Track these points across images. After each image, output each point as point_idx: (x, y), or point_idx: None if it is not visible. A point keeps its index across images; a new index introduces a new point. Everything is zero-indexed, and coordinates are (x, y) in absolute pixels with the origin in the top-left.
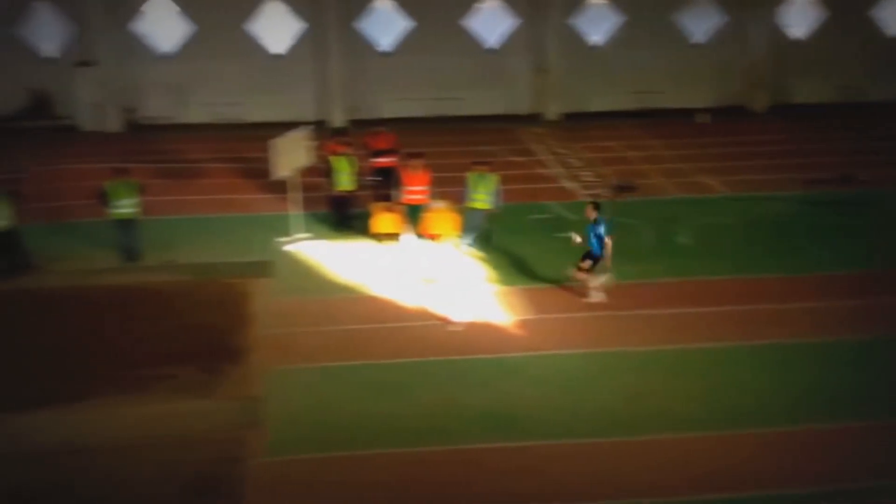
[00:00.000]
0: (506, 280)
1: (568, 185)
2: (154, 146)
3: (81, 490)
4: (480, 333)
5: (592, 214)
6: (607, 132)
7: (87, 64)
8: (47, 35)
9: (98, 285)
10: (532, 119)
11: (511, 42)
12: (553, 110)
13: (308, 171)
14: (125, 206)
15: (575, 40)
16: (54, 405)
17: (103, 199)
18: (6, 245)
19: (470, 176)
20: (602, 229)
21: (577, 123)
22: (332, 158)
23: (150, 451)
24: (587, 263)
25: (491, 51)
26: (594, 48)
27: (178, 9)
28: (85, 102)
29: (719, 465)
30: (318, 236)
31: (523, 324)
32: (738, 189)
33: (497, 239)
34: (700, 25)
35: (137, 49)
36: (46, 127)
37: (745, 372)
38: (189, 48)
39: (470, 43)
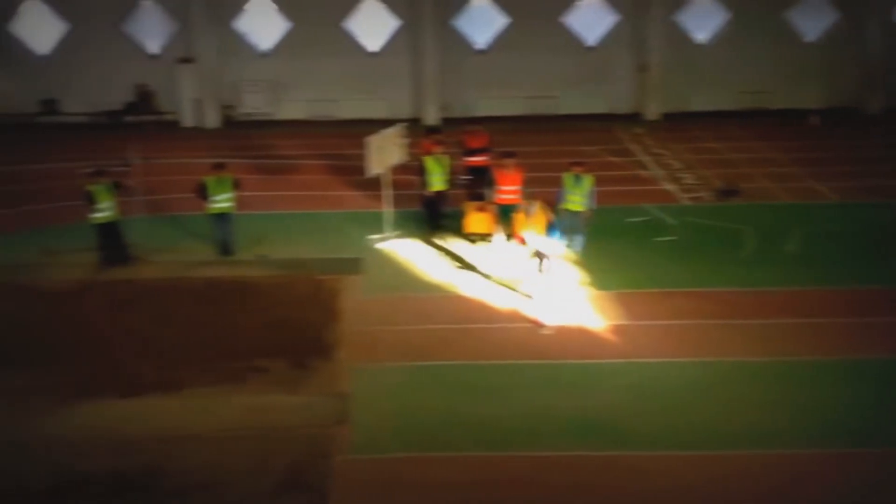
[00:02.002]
0: (600, 284)
1: (668, 187)
2: (250, 142)
3: (175, 478)
4: (572, 338)
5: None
6: (710, 133)
7: (188, 61)
8: (152, 32)
9: (194, 277)
10: (631, 119)
11: (611, 39)
12: (653, 110)
13: (401, 169)
14: (222, 201)
15: (678, 38)
16: (150, 393)
17: (202, 193)
18: (110, 236)
19: (566, 177)
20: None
21: (679, 123)
22: (424, 158)
23: (241, 442)
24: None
25: (589, 48)
26: (699, 46)
27: (275, 7)
28: (186, 98)
29: (815, 483)
30: (409, 234)
31: (616, 329)
32: (849, 195)
33: (591, 241)
34: (812, 23)
35: (236, 46)
36: (150, 122)
37: (849, 388)
38: (286, 46)
39: (568, 40)
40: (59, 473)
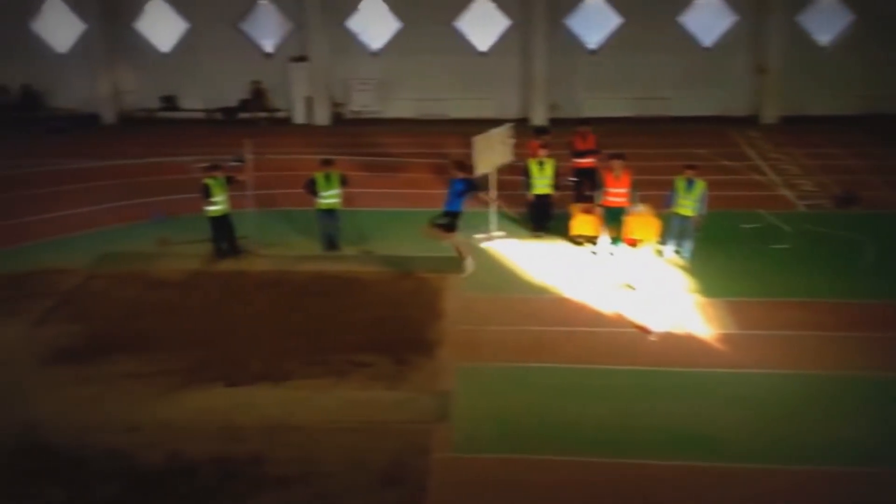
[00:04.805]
0: (708, 291)
1: (784, 193)
2: (359, 139)
3: (277, 467)
4: (677, 345)
5: (458, 174)
6: (830, 138)
7: (301, 59)
8: (268, 32)
9: (300, 271)
10: (747, 121)
11: (729, 40)
12: (771, 113)
13: (507, 169)
14: (329, 197)
15: (800, 39)
16: (256, 383)
17: (310, 188)
18: (223, 228)
19: (678, 181)
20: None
21: (797, 127)
22: (527, 161)
23: (342, 435)
24: (443, 221)
25: (706, 49)
26: (821, 48)
27: (387, 7)
28: (297, 96)
29: None
30: (514, 235)
31: (724, 338)
32: None
33: (702, 247)
34: None
35: (347, 45)
36: (263, 118)
37: None
38: (396, 45)
39: (683, 41)
40: (169, 457)
